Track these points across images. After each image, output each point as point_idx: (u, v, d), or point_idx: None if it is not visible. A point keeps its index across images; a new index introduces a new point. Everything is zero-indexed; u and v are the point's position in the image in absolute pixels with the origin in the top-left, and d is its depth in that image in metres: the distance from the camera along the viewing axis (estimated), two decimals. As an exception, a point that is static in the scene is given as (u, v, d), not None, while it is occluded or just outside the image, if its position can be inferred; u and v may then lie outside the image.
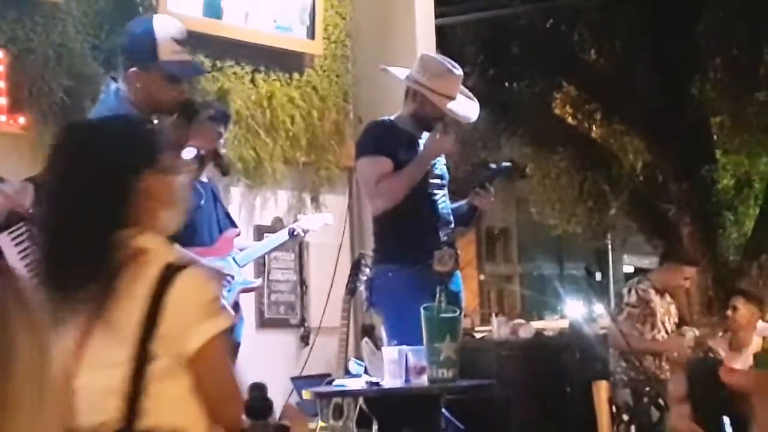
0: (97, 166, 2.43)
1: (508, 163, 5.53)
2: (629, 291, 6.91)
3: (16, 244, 4.66)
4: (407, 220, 4.79)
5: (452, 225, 4.92)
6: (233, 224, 5.52)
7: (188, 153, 3.90)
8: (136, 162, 2.45)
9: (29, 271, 4.59)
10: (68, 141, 2.56)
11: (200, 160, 3.93)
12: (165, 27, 4.06)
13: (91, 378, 2.38)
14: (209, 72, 6.36)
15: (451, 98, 4.84)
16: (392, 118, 4.95)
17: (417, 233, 4.83)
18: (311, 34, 6.94)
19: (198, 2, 6.35)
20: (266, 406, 5.59)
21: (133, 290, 2.36)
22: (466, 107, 4.93)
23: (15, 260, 4.63)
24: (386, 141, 4.84)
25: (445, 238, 4.85)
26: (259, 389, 5.46)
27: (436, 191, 4.89)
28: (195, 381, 2.43)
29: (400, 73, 5.00)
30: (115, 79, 4.07)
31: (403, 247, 4.81)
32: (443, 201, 4.93)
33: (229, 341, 5.22)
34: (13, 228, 4.65)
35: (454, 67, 4.90)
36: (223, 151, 4.16)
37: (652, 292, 6.84)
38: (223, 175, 4.58)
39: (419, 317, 4.44)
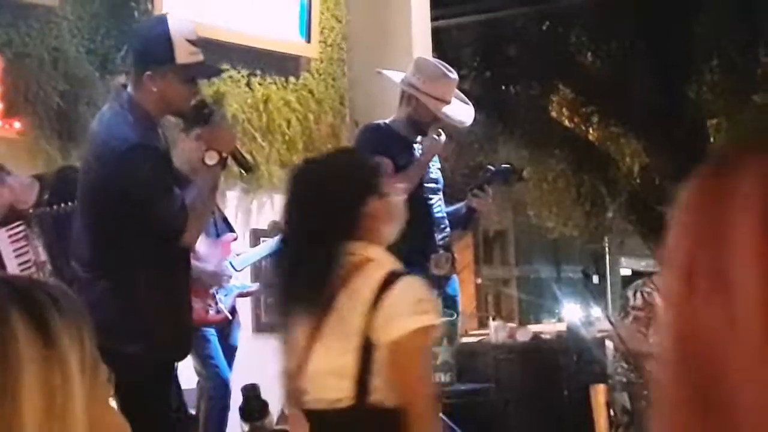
0: (334, 195, 2.98)
1: (506, 166, 5.53)
2: (635, 294, 6.85)
3: (13, 242, 4.65)
4: (403, 223, 4.78)
5: (448, 229, 4.92)
6: (230, 229, 5.51)
7: (210, 158, 3.80)
8: (363, 192, 3.01)
9: (22, 271, 4.61)
10: (307, 176, 3.12)
11: (223, 163, 3.85)
12: (179, 28, 3.91)
13: (324, 363, 2.88)
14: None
15: (446, 102, 4.83)
16: (387, 121, 4.95)
17: (413, 237, 4.80)
18: (307, 38, 6.94)
19: (193, 6, 6.33)
20: (262, 407, 5.58)
21: (360, 290, 2.88)
22: (461, 111, 4.93)
23: (9, 257, 4.63)
24: (381, 144, 4.83)
25: (441, 242, 4.85)
26: (253, 390, 5.44)
27: (431, 195, 4.89)
28: (391, 366, 2.85)
29: (396, 76, 4.99)
30: (125, 86, 3.93)
31: (399, 250, 4.80)
32: (438, 205, 4.93)
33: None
34: (11, 226, 4.65)
35: (450, 71, 4.89)
36: (241, 148, 4.06)
37: (657, 294, 6.82)
38: (247, 173, 4.49)
39: None
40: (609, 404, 6.21)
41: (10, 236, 4.65)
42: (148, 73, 3.79)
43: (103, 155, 3.76)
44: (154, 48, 3.85)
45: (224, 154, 3.83)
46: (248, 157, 4.13)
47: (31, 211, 4.67)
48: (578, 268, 16.51)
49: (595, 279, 15.93)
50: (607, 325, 6.84)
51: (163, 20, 3.98)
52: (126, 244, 3.72)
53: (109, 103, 3.95)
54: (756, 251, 0.75)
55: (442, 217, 4.91)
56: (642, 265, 14.25)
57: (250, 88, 6.71)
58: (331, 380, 2.89)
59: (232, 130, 3.89)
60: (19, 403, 1.03)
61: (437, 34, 8.05)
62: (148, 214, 3.69)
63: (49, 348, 1.05)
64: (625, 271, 17.00)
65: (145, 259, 3.72)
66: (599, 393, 6.20)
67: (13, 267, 4.61)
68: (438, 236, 4.86)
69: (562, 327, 8.14)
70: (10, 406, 1.02)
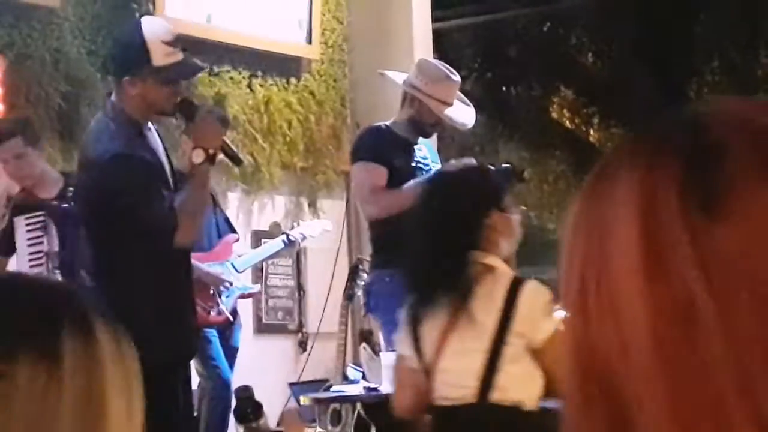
0: (465, 208, 3.32)
1: (506, 165, 5.51)
2: None
3: (30, 230, 4.71)
4: (404, 225, 4.77)
5: None
6: (232, 230, 5.52)
7: (197, 156, 3.82)
8: (487, 205, 3.34)
9: (31, 260, 4.67)
10: (440, 188, 3.53)
11: (211, 159, 3.86)
12: (154, 30, 3.95)
13: (453, 362, 3.17)
14: (206, 71, 6.36)
15: (448, 104, 4.82)
16: (388, 123, 4.94)
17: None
18: (308, 39, 6.94)
19: (195, 7, 6.34)
20: (255, 408, 5.57)
21: (489, 296, 3.18)
22: (463, 113, 4.92)
23: (23, 245, 4.69)
24: (381, 147, 4.82)
25: None
26: (245, 392, 5.44)
27: None
28: (541, 364, 3.14)
29: (398, 77, 4.99)
30: (110, 93, 3.98)
31: (400, 252, 4.79)
32: None
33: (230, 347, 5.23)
34: (31, 215, 4.70)
35: (452, 73, 4.88)
36: (229, 141, 4.07)
37: None
38: (237, 165, 4.49)
39: None
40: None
41: (28, 224, 4.72)
42: (126, 78, 3.85)
43: (88, 166, 3.83)
44: (130, 53, 3.90)
45: (211, 151, 3.84)
46: (236, 149, 4.13)
47: (54, 203, 4.74)
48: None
49: (596, 280, 15.94)
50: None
51: (137, 24, 4.04)
52: (122, 250, 3.77)
53: (100, 111, 4.03)
54: (633, 268, 0.68)
55: None
56: (643, 266, 14.25)
57: (251, 90, 6.71)
58: (459, 378, 3.17)
59: (217, 125, 3.88)
60: (105, 408, 1.02)
61: (438, 36, 8.05)
62: (137, 220, 3.72)
63: (122, 353, 1.06)
64: (626, 272, 17.01)
65: (142, 265, 3.75)
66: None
67: (24, 255, 4.70)
68: None
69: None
70: (96, 411, 1.02)
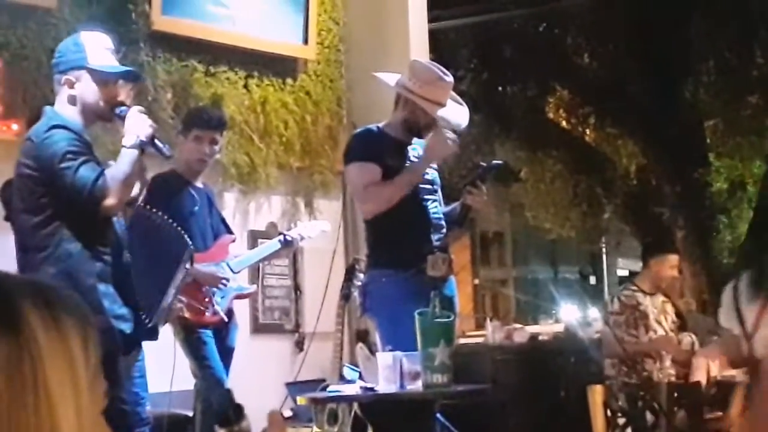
0: None
1: (498, 162, 5.50)
2: (612, 300, 6.95)
3: None
4: (399, 225, 4.78)
5: (444, 230, 4.91)
6: (229, 230, 5.52)
7: (129, 140, 4.05)
8: None
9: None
10: None
11: (141, 148, 4.03)
12: (92, 37, 4.24)
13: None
14: (202, 72, 6.37)
15: (442, 105, 4.83)
16: (381, 125, 4.94)
17: (409, 238, 4.81)
18: (304, 40, 6.95)
19: (191, 8, 6.35)
20: (236, 411, 5.55)
21: None
22: (456, 113, 4.92)
23: None
24: (373, 148, 4.82)
25: (438, 243, 4.84)
26: (227, 394, 5.42)
27: (427, 196, 4.88)
28: None
29: (391, 79, 4.98)
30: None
31: (396, 252, 4.80)
32: (435, 206, 4.91)
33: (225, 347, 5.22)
34: None
35: (445, 74, 4.88)
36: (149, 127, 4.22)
37: (640, 295, 6.83)
38: (166, 158, 4.56)
39: (413, 322, 4.42)
40: (606, 405, 6.21)
41: None
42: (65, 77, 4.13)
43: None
44: (68, 55, 4.17)
45: (142, 138, 4.04)
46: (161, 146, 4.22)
47: None
48: (575, 269, 16.52)
49: (592, 280, 15.95)
50: (603, 327, 6.86)
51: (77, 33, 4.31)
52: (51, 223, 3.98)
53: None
54: None
55: (439, 219, 4.90)
56: (639, 266, 14.26)
57: (248, 90, 6.72)
58: None
59: (143, 116, 4.09)
60: (51, 399, 1.04)
61: (434, 36, 8.06)
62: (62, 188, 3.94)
63: (62, 342, 1.07)
64: (623, 272, 17.01)
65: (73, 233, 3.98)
66: (596, 394, 6.19)
67: None
68: (434, 237, 4.85)
69: (559, 328, 8.14)
70: (41, 402, 1.03)
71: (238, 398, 5.35)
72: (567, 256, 16.56)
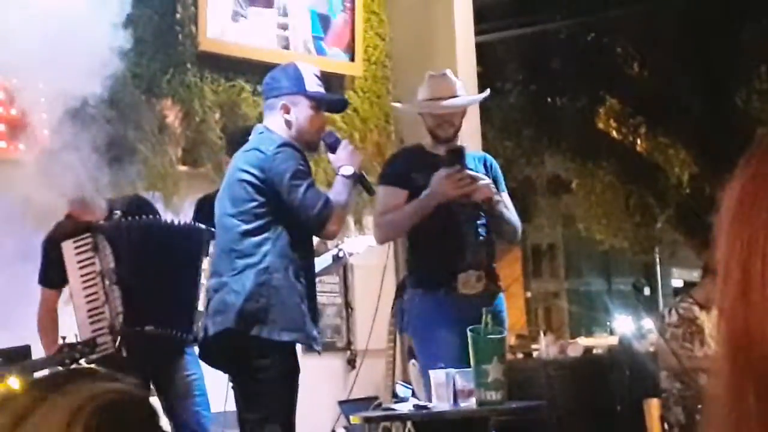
0: None
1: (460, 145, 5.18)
2: (670, 311, 6.84)
3: (78, 253, 4.76)
4: (429, 244, 4.78)
5: (484, 246, 4.82)
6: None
7: (347, 171, 4.25)
8: None
9: (84, 282, 4.72)
10: None
11: (354, 181, 4.30)
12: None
13: None
14: (250, 91, 6.39)
15: (441, 98, 4.84)
16: (423, 142, 4.99)
17: (439, 257, 4.79)
18: (351, 57, 6.94)
19: (237, 29, 6.37)
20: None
21: None
22: (462, 100, 4.95)
23: (74, 268, 4.74)
24: (401, 169, 4.88)
25: (471, 260, 4.77)
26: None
27: (460, 210, 4.79)
28: None
29: (405, 108, 5.12)
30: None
31: (426, 271, 4.82)
32: (471, 221, 4.83)
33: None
34: (79, 237, 4.76)
35: (439, 73, 4.93)
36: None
37: (696, 308, 6.74)
38: (371, 194, 4.80)
39: (444, 341, 4.51)
40: (663, 418, 6.13)
41: (76, 247, 4.77)
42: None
43: None
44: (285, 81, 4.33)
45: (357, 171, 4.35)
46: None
47: (102, 222, 4.81)
48: (629, 280, 16.37)
49: (647, 291, 15.79)
50: (658, 339, 6.77)
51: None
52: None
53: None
54: None
55: (475, 233, 4.82)
56: (694, 275, 14.10)
57: (295, 108, 6.73)
58: None
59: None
60: None
61: (481, 49, 8.03)
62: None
63: None
64: (677, 282, 16.84)
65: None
66: (653, 407, 6.12)
67: (76, 278, 4.74)
68: (468, 254, 4.79)
69: (613, 340, 8.06)
70: None
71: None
72: (620, 267, 16.41)
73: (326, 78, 4.44)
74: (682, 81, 10.34)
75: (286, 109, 4.21)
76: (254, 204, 4.08)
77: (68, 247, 4.77)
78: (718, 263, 0.73)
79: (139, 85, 5.86)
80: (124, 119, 5.74)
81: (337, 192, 4.20)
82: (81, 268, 4.77)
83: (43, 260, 4.85)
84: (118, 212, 4.83)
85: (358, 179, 4.30)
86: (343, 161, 4.26)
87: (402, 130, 7.11)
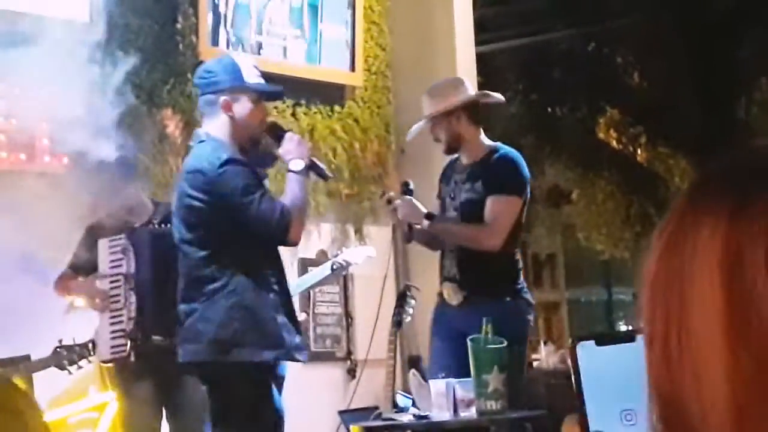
0: None
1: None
2: None
3: (111, 253, 4.78)
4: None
5: (459, 257, 4.93)
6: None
7: (296, 165, 4.12)
8: None
9: (111, 283, 4.74)
10: None
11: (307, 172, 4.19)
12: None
13: None
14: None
15: (425, 115, 5.05)
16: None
17: (439, 267, 5.07)
18: (351, 67, 6.95)
19: (237, 37, 6.37)
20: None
21: None
22: (414, 128, 5.21)
23: (105, 267, 4.78)
24: (440, 180, 5.21)
25: (447, 272, 4.95)
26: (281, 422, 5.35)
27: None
28: None
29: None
30: None
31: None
32: None
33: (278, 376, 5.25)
34: (113, 237, 4.78)
35: (431, 85, 5.17)
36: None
37: None
38: (327, 180, 4.77)
39: (437, 350, 4.80)
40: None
41: (110, 247, 4.79)
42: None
43: None
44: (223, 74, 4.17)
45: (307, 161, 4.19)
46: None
47: (137, 226, 4.82)
48: (630, 290, 16.36)
49: (647, 300, 15.74)
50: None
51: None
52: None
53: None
54: (716, 332, 0.66)
55: (451, 247, 4.96)
56: (694, 285, 14.08)
57: (296, 118, 6.73)
58: None
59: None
60: None
61: (482, 59, 8.04)
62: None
63: None
64: (678, 292, 16.78)
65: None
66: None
67: (105, 277, 4.79)
68: (445, 266, 4.95)
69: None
70: None
71: (291, 427, 5.32)
72: (621, 276, 16.39)
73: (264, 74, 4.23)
74: (682, 91, 10.34)
75: (228, 107, 4.03)
76: (207, 228, 3.96)
77: (103, 245, 4.80)
78: (642, 329, 0.74)
79: (139, 95, 5.86)
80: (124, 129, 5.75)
81: (292, 193, 4.02)
82: (111, 268, 4.81)
83: (79, 245, 4.91)
84: (157, 218, 4.84)
85: (309, 169, 4.14)
86: (292, 153, 4.09)
87: (402, 140, 7.11)
